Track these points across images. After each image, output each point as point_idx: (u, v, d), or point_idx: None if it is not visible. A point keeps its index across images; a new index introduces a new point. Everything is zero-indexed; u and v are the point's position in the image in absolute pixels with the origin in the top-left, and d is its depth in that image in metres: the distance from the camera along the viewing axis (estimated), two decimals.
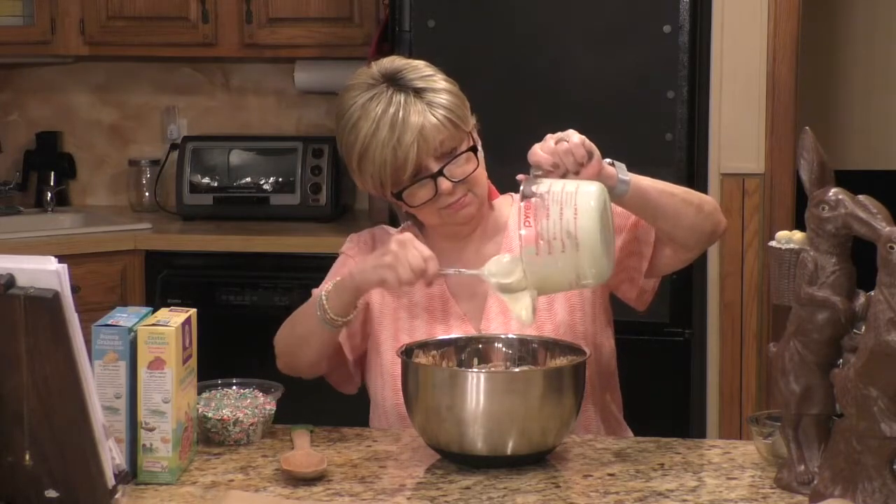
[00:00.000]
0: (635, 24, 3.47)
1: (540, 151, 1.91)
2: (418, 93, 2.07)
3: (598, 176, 1.92)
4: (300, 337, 2.13)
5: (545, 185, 1.87)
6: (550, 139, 1.92)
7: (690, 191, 2.11)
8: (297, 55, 4.24)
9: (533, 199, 1.85)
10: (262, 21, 4.17)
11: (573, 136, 1.91)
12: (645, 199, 2.01)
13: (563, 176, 1.90)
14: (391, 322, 2.18)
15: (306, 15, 4.15)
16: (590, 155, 1.91)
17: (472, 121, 2.15)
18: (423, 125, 2.05)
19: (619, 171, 1.96)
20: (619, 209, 2.04)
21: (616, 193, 1.96)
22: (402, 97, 2.06)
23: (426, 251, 1.98)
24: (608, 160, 1.96)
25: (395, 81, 2.09)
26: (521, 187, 1.89)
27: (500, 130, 3.35)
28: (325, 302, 2.05)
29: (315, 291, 2.23)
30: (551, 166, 1.90)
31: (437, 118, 2.06)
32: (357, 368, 2.23)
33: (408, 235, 2.01)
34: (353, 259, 2.23)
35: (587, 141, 1.91)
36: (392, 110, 2.05)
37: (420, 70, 2.12)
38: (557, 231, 1.84)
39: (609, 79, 3.49)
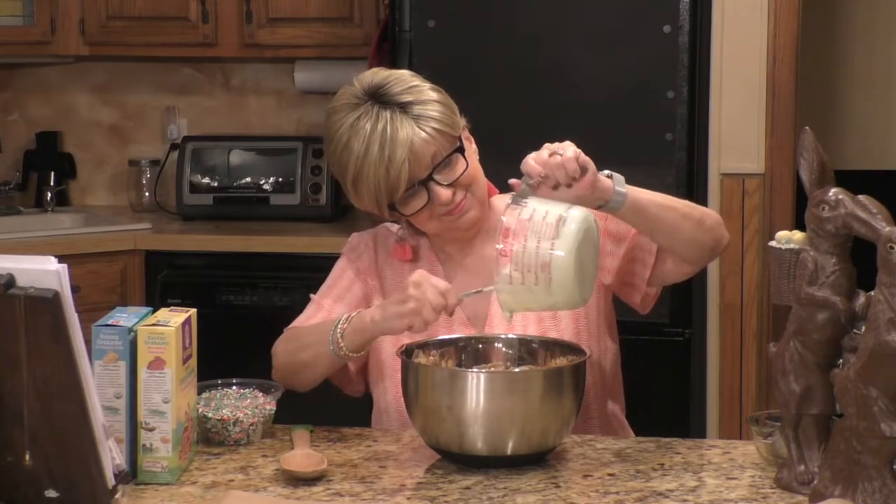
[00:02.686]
0: (635, 24, 3.47)
1: (532, 162, 1.89)
2: (404, 107, 2.05)
3: (592, 190, 1.91)
4: (304, 363, 2.11)
5: (528, 210, 1.86)
6: (545, 150, 1.90)
7: (693, 205, 2.09)
8: (297, 55, 4.24)
9: (513, 225, 1.85)
10: (262, 21, 4.16)
11: (568, 150, 1.89)
12: (641, 213, 2.00)
13: (555, 188, 1.89)
14: None
15: (306, 15, 4.15)
16: (583, 170, 1.89)
17: (462, 122, 2.14)
18: (413, 140, 2.03)
19: (616, 183, 1.95)
20: None
21: (611, 207, 1.95)
22: (388, 113, 2.04)
23: (442, 284, 1.96)
24: (606, 172, 1.95)
25: (379, 98, 2.07)
26: (507, 203, 1.88)
27: (500, 130, 3.35)
28: (340, 339, 2.03)
29: (314, 297, 2.22)
30: (541, 177, 1.89)
31: (425, 132, 2.04)
32: (360, 377, 2.23)
33: (422, 273, 1.98)
34: (353, 265, 2.22)
35: (582, 155, 1.89)
36: (380, 127, 2.03)
37: (404, 81, 2.09)
38: (532, 263, 1.83)
39: (609, 79, 3.49)
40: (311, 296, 2.23)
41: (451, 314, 1.98)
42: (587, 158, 1.90)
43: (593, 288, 1.93)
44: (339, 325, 2.04)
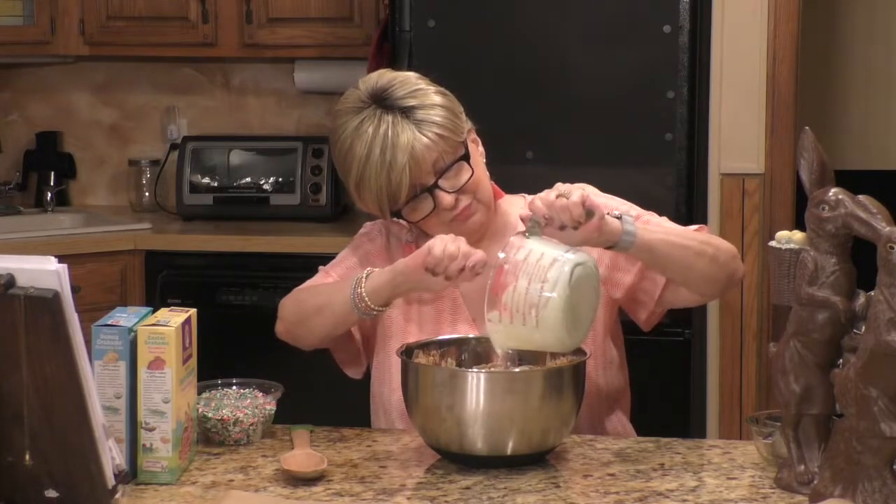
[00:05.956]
0: (635, 24, 3.47)
1: (539, 202, 1.88)
2: (406, 112, 2.05)
3: (599, 233, 1.89)
4: (317, 307, 2.10)
5: (524, 251, 1.85)
6: (554, 191, 1.89)
7: (707, 239, 2.07)
8: (297, 55, 4.24)
9: (506, 266, 1.85)
10: (262, 21, 4.16)
11: (574, 194, 1.87)
12: (651, 253, 1.99)
13: (561, 228, 1.88)
14: (400, 323, 2.17)
15: (306, 15, 4.15)
16: (589, 214, 1.87)
17: (468, 126, 2.14)
18: (414, 145, 2.03)
19: (625, 223, 1.93)
20: None
21: (620, 247, 1.94)
22: (390, 118, 2.05)
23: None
24: (616, 213, 1.93)
25: (382, 101, 2.07)
26: (506, 245, 1.87)
27: (499, 130, 3.35)
28: (363, 293, 2.03)
29: (321, 268, 2.22)
30: (545, 218, 1.88)
31: (427, 137, 2.04)
32: (364, 350, 2.23)
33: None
34: (364, 247, 2.23)
35: (589, 199, 1.87)
36: (382, 132, 2.04)
37: (408, 85, 2.09)
38: (521, 304, 1.83)
39: (609, 79, 3.49)
40: (320, 267, 2.23)
41: (473, 272, 1.96)
42: (595, 202, 1.88)
43: (588, 332, 1.92)
44: (364, 275, 2.04)
